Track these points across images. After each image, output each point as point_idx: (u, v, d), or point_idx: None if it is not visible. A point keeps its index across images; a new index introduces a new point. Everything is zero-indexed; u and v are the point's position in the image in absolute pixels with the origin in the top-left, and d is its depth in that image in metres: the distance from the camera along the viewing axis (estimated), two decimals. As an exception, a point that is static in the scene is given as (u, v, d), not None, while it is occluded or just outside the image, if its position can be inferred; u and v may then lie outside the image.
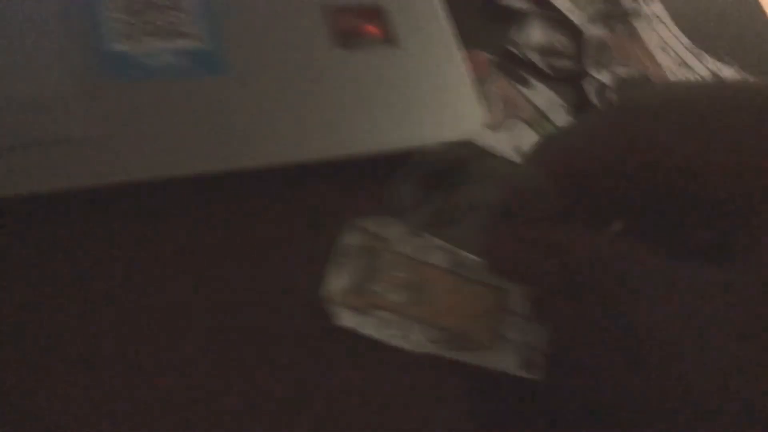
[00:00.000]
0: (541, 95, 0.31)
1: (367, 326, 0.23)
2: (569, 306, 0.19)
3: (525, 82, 0.31)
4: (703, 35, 0.37)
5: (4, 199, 0.22)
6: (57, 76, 0.24)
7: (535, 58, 0.32)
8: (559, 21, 0.33)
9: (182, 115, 0.25)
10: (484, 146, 0.25)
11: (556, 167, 0.19)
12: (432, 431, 0.23)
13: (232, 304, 0.24)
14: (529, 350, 0.25)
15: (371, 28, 0.29)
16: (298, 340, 0.24)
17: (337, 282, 0.24)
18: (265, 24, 0.27)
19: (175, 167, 0.24)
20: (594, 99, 0.32)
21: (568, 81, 0.32)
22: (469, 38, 0.30)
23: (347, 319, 0.23)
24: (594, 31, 0.33)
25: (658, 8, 0.36)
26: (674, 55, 0.35)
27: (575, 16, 0.33)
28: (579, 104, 0.31)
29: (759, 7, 0.43)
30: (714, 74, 0.36)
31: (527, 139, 0.29)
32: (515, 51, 0.32)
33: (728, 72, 0.37)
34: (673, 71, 0.34)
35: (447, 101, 0.28)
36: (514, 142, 0.29)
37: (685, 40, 0.36)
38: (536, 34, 0.32)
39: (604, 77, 0.32)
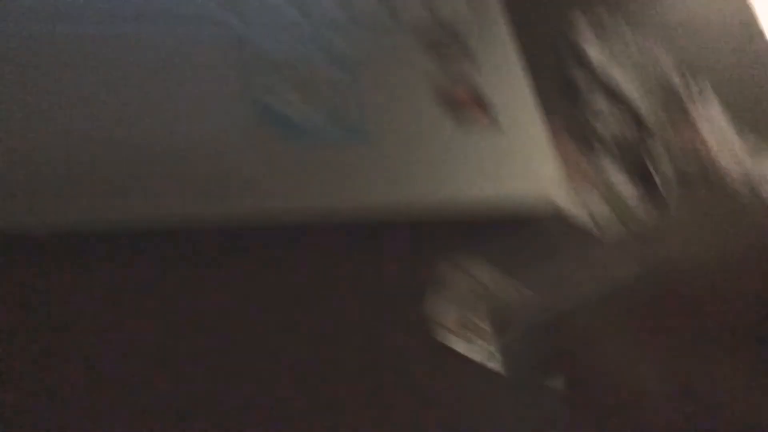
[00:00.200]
0: (611, 168, 0.37)
1: (472, 352, 0.29)
2: None
3: (598, 157, 0.38)
4: (748, 122, 0.43)
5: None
6: (230, 124, 0.31)
7: (608, 137, 0.38)
8: (629, 108, 0.40)
9: (326, 170, 0.31)
10: (563, 209, 0.31)
11: None
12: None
13: (339, 335, 0.30)
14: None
15: (477, 111, 0.35)
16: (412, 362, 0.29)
17: (447, 312, 0.30)
18: (398, 104, 0.34)
19: (315, 212, 0.31)
20: (654, 174, 0.38)
21: (634, 157, 0.38)
22: (553, 119, 0.36)
23: (456, 345, 0.29)
24: (657, 117, 0.40)
25: (712, 99, 0.42)
26: (721, 138, 0.41)
27: (643, 105, 0.40)
28: (641, 177, 0.38)
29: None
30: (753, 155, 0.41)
31: (598, 206, 0.35)
32: (592, 131, 0.38)
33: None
34: (719, 152, 0.40)
35: (532, 171, 0.35)
36: (588, 209, 0.35)
37: (728, 124, 0.42)
38: (610, 119, 0.39)
39: (663, 155, 0.39)
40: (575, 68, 0.40)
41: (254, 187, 0.30)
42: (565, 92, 0.39)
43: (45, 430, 0.24)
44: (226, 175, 0.30)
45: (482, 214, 0.32)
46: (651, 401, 0.23)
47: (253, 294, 0.30)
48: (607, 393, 0.25)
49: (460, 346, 0.29)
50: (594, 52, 0.40)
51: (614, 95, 0.40)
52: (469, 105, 0.35)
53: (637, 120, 0.39)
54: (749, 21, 0.47)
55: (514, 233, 0.31)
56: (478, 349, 0.29)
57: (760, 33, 0.47)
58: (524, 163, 0.34)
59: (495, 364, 0.28)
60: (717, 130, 0.40)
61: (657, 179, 0.38)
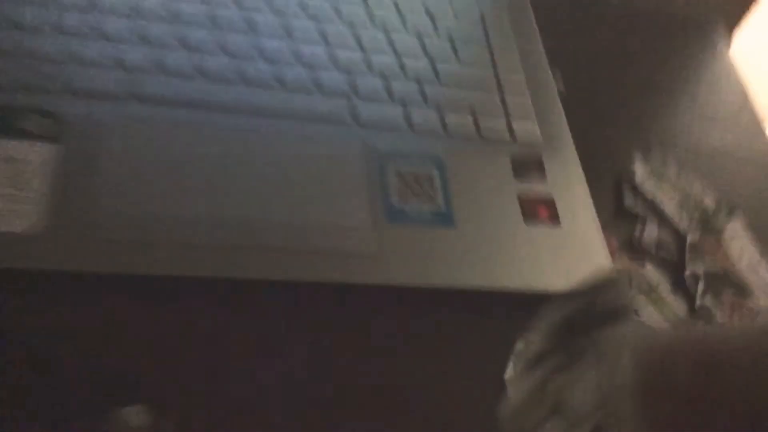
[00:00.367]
0: (652, 275, 0.44)
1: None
2: None
3: (641, 263, 0.44)
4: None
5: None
6: (358, 212, 0.38)
7: (650, 248, 0.45)
8: (669, 225, 0.47)
9: (424, 250, 0.38)
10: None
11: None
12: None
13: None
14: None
15: (543, 210, 0.42)
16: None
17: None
18: (479, 199, 0.41)
19: (415, 279, 0.37)
20: (689, 285, 0.44)
21: (672, 268, 0.45)
22: (605, 226, 0.43)
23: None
24: (692, 235, 0.47)
25: (739, 224, 0.49)
26: (747, 260, 0.48)
27: (680, 223, 0.47)
28: (678, 287, 0.44)
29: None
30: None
31: (642, 308, 0.42)
32: (636, 241, 0.45)
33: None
34: (744, 268, 0.47)
35: (589, 264, 0.41)
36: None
37: (755, 249, 0.48)
38: (652, 231, 0.46)
39: (698, 269, 0.45)
40: (629, 192, 0.47)
41: (364, 259, 0.37)
42: (618, 211, 0.47)
43: None
44: (340, 249, 0.38)
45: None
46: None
47: (349, 350, 0.36)
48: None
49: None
50: (645, 180, 0.48)
51: (660, 216, 0.47)
52: (539, 208, 0.42)
53: (677, 237, 0.46)
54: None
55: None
56: None
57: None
58: (581, 258, 0.41)
59: None
60: (742, 249, 0.47)
61: (691, 289, 0.44)
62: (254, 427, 0.33)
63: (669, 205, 0.47)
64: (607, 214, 0.45)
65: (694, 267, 0.45)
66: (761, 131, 0.57)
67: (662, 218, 0.47)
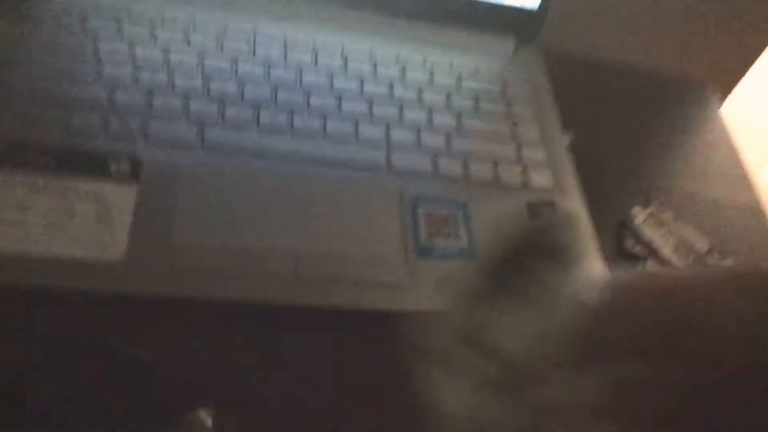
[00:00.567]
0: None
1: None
2: None
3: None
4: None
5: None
6: (392, 248, 0.44)
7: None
8: (665, 266, 0.52)
9: (450, 281, 0.44)
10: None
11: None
12: None
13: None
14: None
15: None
16: None
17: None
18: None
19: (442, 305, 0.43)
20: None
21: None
22: (607, 265, 0.48)
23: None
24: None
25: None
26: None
27: (676, 265, 0.52)
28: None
29: None
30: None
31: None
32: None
33: None
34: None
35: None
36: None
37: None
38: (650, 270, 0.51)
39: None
40: (629, 235, 0.53)
41: (398, 289, 0.43)
42: (619, 251, 0.52)
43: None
44: (377, 280, 0.43)
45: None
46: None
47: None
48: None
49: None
50: (643, 224, 0.53)
51: (657, 258, 0.52)
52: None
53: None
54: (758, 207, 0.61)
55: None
56: None
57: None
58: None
59: None
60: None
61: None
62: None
63: (665, 248, 0.53)
64: (609, 254, 0.50)
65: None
66: (750, 184, 0.63)
67: (659, 260, 0.52)
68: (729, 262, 0.53)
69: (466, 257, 0.45)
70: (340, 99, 0.51)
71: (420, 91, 0.55)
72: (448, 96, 0.55)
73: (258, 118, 0.48)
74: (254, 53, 0.52)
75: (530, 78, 0.60)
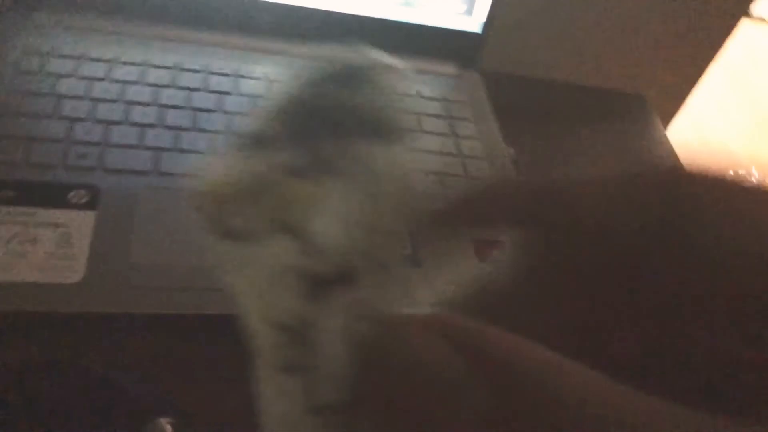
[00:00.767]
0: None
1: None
2: None
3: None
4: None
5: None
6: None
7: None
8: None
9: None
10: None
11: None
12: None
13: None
14: None
15: (493, 250, 0.50)
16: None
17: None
18: (442, 242, 0.49)
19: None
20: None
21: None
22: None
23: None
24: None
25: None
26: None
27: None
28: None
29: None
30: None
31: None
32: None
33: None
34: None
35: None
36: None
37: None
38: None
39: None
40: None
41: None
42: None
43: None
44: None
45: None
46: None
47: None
48: None
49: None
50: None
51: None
52: (490, 248, 0.50)
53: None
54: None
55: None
56: None
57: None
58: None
59: None
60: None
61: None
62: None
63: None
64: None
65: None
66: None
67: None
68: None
69: (410, 264, 0.48)
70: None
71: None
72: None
73: (214, 144, 0.51)
74: (208, 88, 0.55)
75: (472, 98, 0.63)
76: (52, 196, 0.45)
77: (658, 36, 0.75)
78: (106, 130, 0.49)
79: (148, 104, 0.52)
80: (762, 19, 1.32)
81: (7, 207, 0.43)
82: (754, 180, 0.16)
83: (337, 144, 0.13)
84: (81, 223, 0.44)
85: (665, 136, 0.71)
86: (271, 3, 0.59)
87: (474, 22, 0.62)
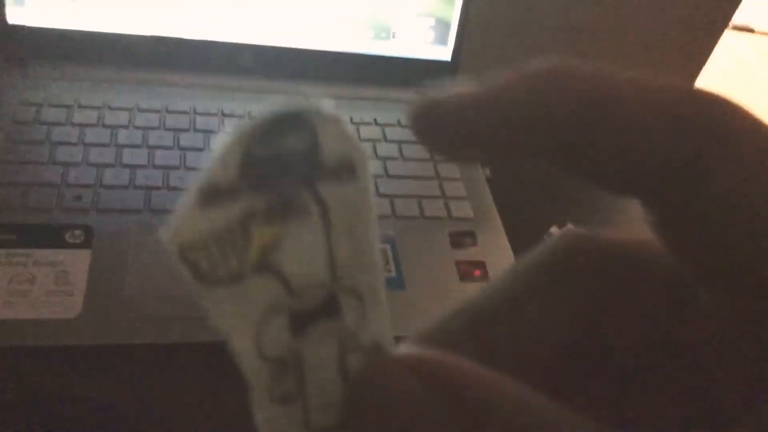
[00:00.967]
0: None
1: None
2: None
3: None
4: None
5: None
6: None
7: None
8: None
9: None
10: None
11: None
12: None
13: None
14: None
15: (476, 271, 0.53)
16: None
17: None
18: (425, 264, 0.52)
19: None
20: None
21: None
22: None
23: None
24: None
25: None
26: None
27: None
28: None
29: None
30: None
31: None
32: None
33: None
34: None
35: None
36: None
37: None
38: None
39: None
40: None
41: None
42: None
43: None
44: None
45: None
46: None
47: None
48: None
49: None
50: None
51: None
52: (473, 270, 0.53)
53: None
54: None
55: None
56: None
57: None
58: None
59: None
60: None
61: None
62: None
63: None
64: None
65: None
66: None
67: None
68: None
69: (395, 286, 0.50)
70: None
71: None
72: (375, 146, 0.61)
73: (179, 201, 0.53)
74: (195, 128, 0.58)
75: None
76: (50, 237, 0.47)
77: (642, 49, 0.78)
78: (98, 173, 0.52)
79: (137, 146, 0.55)
80: (747, 28, 1.35)
81: (7, 249, 0.46)
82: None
83: (298, 185, 0.13)
84: (77, 261, 0.46)
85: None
86: (252, 45, 0.62)
87: (445, 51, 0.65)
